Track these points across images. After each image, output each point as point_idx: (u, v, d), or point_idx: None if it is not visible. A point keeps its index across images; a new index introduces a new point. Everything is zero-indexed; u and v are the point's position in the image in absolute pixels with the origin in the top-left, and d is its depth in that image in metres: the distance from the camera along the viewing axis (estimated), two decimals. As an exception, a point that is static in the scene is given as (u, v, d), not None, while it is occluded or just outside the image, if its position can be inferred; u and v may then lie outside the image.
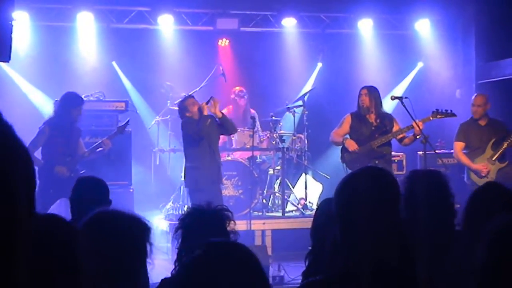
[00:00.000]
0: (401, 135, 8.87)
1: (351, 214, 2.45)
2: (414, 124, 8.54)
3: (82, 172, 8.54)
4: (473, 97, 9.33)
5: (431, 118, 8.87)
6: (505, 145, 8.93)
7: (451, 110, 8.92)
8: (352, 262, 2.43)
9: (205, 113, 8.61)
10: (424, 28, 12.35)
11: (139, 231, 2.66)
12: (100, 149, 8.70)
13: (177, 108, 10.42)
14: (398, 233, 2.47)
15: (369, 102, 8.84)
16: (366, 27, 12.32)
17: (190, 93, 10.20)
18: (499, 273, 2.02)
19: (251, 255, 2.05)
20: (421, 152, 9.65)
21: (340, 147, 9.02)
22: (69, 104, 8.49)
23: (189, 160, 8.80)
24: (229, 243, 2.31)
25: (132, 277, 2.60)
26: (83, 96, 10.06)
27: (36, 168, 8.39)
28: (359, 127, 8.88)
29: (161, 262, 8.54)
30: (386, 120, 8.92)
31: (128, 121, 9.23)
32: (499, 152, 8.95)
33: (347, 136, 8.95)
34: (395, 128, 8.91)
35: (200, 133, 8.55)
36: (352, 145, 8.79)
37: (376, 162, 8.56)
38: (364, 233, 2.42)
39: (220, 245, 2.17)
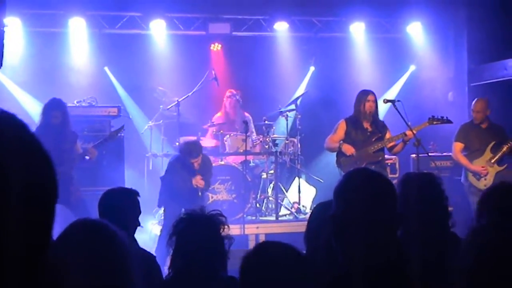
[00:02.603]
0: (392, 143, 8.83)
1: (347, 214, 2.45)
2: (408, 133, 8.53)
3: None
4: (474, 102, 9.29)
5: (427, 124, 8.85)
6: (504, 148, 8.93)
7: (446, 117, 8.91)
8: (346, 264, 2.43)
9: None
10: (416, 31, 12.37)
11: (119, 243, 2.55)
12: (86, 157, 8.65)
13: (169, 113, 10.47)
14: (394, 234, 2.47)
15: (375, 108, 8.82)
16: (358, 31, 12.34)
17: (180, 99, 10.22)
18: (486, 274, 2.02)
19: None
20: (414, 155, 9.67)
21: (335, 152, 8.96)
22: (46, 109, 8.47)
23: None
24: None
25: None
26: (75, 102, 10.07)
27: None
28: (354, 132, 8.81)
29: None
30: (379, 125, 8.90)
31: (123, 127, 9.18)
32: (498, 155, 8.95)
33: (341, 141, 8.90)
34: (387, 135, 8.89)
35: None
36: (349, 149, 8.72)
37: (373, 167, 8.54)
38: (360, 234, 2.42)
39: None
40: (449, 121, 8.95)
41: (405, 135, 8.61)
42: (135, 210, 4.56)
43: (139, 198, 4.64)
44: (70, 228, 2.53)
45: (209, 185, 9.16)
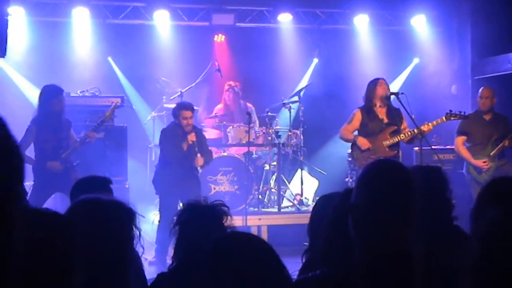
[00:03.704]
0: (408, 138, 8.71)
1: (369, 204, 2.45)
2: (424, 129, 8.43)
3: (76, 163, 8.50)
4: (480, 90, 9.30)
5: (444, 120, 8.73)
6: (506, 142, 8.91)
7: (464, 112, 8.83)
8: (364, 254, 2.44)
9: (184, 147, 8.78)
10: (420, 24, 12.34)
11: (122, 216, 2.65)
12: (87, 140, 8.64)
13: (172, 105, 10.46)
14: (413, 225, 2.48)
15: (388, 91, 8.68)
16: (362, 23, 12.31)
17: (183, 90, 10.21)
18: (492, 266, 2.02)
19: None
20: (417, 148, 9.64)
21: (350, 144, 8.87)
22: (49, 96, 8.41)
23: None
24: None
25: (121, 263, 2.60)
26: (78, 92, 10.07)
27: (30, 167, 8.36)
28: (370, 123, 8.66)
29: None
30: (396, 116, 8.73)
31: (116, 104, 9.18)
32: (498, 149, 8.93)
33: (356, 132, 8.81)
34: (403, 125, 8.79)
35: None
36: (365, 144, 8.59)
37: None
38: (380, 224, 2.42)
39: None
40: (466, 117, 8.85)
41: (422, 131, 8.48)
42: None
43: (111, 186, 4.64)
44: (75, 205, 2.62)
45: (211, 156, 9.24)
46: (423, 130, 8.47)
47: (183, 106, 8.86)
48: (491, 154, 8.93)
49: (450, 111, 8.77)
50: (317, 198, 3.83)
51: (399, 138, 8.65)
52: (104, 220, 2.59)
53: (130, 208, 2.71)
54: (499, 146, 8.92)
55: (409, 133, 8.62)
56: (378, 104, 8.66)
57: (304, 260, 3.46)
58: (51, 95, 8.41)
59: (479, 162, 8.96)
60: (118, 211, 2.66)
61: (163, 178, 8.74)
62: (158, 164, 9.07)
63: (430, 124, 8.56)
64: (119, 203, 2.70)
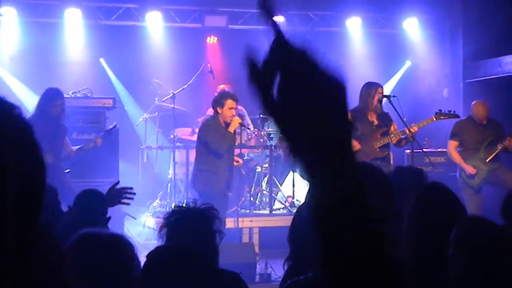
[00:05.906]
0: (397, 138, 8.70)
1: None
2: (413, 129, 8.44)
3: (66, 171, 8.46)
4: (478, 106, 9.12)
5: (434, 119, 8.75)
6: (499, 147, 8.89)
7: (454, 111, 8.83)
8: (335, 262, 2.43)
9: (231, 130, 8.23)
10: (412, 27, 12.39)
11: (125, 253, 2.56)
12: (91, 144, 8.56)
13: (165, 105, 10.43)
14: (385, 231, 2.46)
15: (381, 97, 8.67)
16: (354, 26, 12.35)
17: (175, 92, 10.19)
18: (473, 274, 2.04)
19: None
20: (408, 151, 9.66)
21: None
22: (50, 98, 8.33)
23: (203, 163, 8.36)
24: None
25: None
26: (70, 93, 10.04)
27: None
28: (359, 126, 8.62)
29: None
30: (385, 119, 8.70)
31: (115, 125, 9.07)
32: (493, 155, 8.90)
33: None
34: (393, 128, 8.78)
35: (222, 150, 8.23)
36: (354, 146, 8.54)
37: (378, 163, 8.45)
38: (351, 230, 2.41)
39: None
40: (456, 116, 8.83)
41: (410, 131, 8.48)
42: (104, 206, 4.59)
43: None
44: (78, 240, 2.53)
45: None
46: (411, 130, 8.45)
47: (229, 95, 8.23)
48: (486, 160, 8.92)
49: (440, 110, 8.78)
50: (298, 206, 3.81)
51: (389, 139, 8.67)
52: (107, 255, 2.48)
53: (129, 243, 2.60)
54: (494, 151, 8.90)
55: (398, 134, 8.64)
56: (371, 110, 8.66)
57: (286, 268, 3.41)
58: (53, 97, 8.30)
59: (468, 168, 8.95)
60: (119, 245, 2.55)
61: (213, 178, 8.25)
62: (200, 164, 8.34)
63: (418, 124, 8.56)
64: (119, 237, 2.59)
